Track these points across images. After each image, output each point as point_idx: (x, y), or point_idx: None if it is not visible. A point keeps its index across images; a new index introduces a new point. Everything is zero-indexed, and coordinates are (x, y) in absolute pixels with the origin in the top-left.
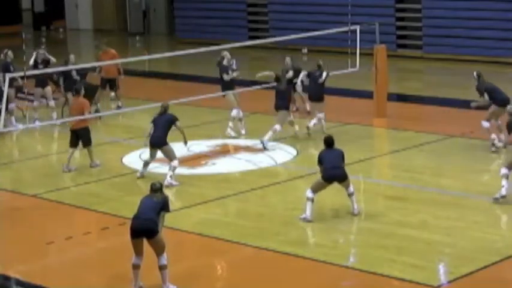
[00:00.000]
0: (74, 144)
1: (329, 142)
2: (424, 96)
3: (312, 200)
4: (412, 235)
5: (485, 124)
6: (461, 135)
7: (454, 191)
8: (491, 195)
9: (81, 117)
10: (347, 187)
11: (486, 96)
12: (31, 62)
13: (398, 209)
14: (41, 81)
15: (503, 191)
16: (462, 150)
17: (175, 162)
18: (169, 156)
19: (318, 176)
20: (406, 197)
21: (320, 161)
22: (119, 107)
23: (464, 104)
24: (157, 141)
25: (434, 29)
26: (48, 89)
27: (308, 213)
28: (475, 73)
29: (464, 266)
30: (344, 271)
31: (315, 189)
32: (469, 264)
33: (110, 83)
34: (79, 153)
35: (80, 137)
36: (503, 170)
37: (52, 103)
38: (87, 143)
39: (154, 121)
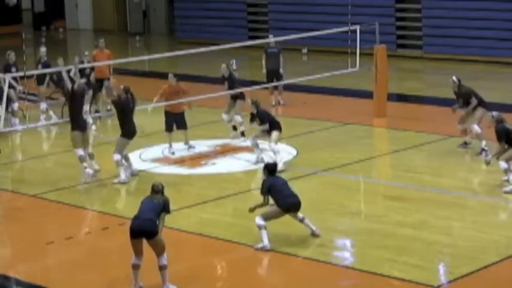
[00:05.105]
0: (172, 127)
1: (273, 169)
2: (424, 96)
3: (265, 227)
4: (412, 235)
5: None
6: (461, 135)
7: (454, 191)
8: (491, 195)
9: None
10: (296, 215)
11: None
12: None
13: (398, 209)
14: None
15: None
16: (462, 150)
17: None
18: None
19: (271, 206)
20: (406, 197)
21: (269, 190)
22: (108, 110)
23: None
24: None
25: (434, 29)
26: (42, 88)
27: (265, 241)
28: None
29: (464, 266)
30: (344, 271)
31: (268, 218)
32: (469, 264)
33: (103, 83)
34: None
35: (177, 121)
36: (503, 164)
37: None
38: (183, 126)
39: None
